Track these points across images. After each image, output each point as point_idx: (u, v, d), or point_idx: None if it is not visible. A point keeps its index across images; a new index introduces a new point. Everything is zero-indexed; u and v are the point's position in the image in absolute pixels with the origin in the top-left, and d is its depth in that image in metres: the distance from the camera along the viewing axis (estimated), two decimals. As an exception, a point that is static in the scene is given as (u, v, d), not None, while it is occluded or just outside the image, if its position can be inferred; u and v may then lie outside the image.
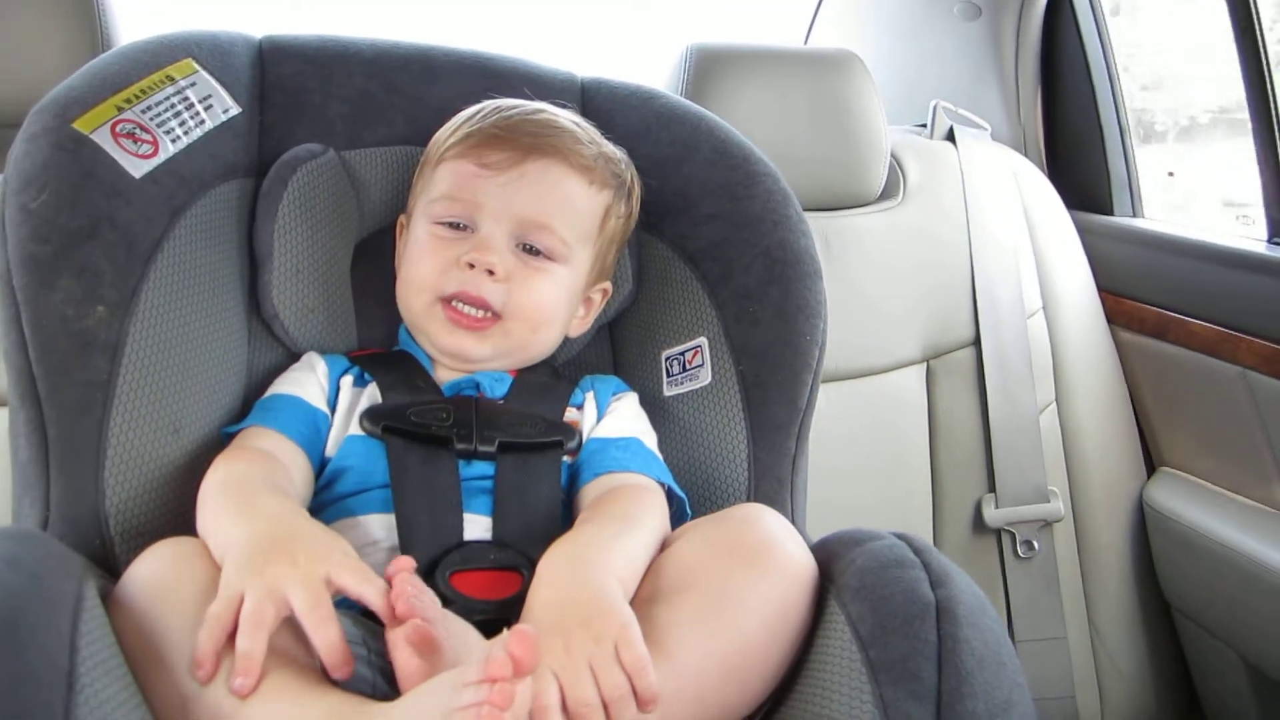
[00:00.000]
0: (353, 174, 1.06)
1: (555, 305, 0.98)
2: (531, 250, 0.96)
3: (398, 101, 1.08)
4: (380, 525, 0.85)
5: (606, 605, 0.71)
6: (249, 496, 0.79)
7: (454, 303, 0.95)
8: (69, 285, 0.82)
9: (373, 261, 1.07)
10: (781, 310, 0.99)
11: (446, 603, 0.76)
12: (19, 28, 1.27)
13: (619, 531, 0.81)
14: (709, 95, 1.45)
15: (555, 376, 1.05)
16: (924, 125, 1.73)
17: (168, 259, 0.89)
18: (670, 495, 0.92)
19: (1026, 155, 1.72)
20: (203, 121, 0.95)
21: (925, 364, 1.51)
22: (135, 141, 0.89)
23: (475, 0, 2.25)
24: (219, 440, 0.90)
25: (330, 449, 0.91)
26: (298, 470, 0.88)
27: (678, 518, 0.92)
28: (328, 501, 0.88)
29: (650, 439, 0.98)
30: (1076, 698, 1.45)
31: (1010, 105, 1.77)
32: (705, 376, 1.01)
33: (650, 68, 1.65)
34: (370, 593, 0.69)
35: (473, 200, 0.95)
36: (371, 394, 0.95)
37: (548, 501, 0.89)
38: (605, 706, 0.67)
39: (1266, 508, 1.38)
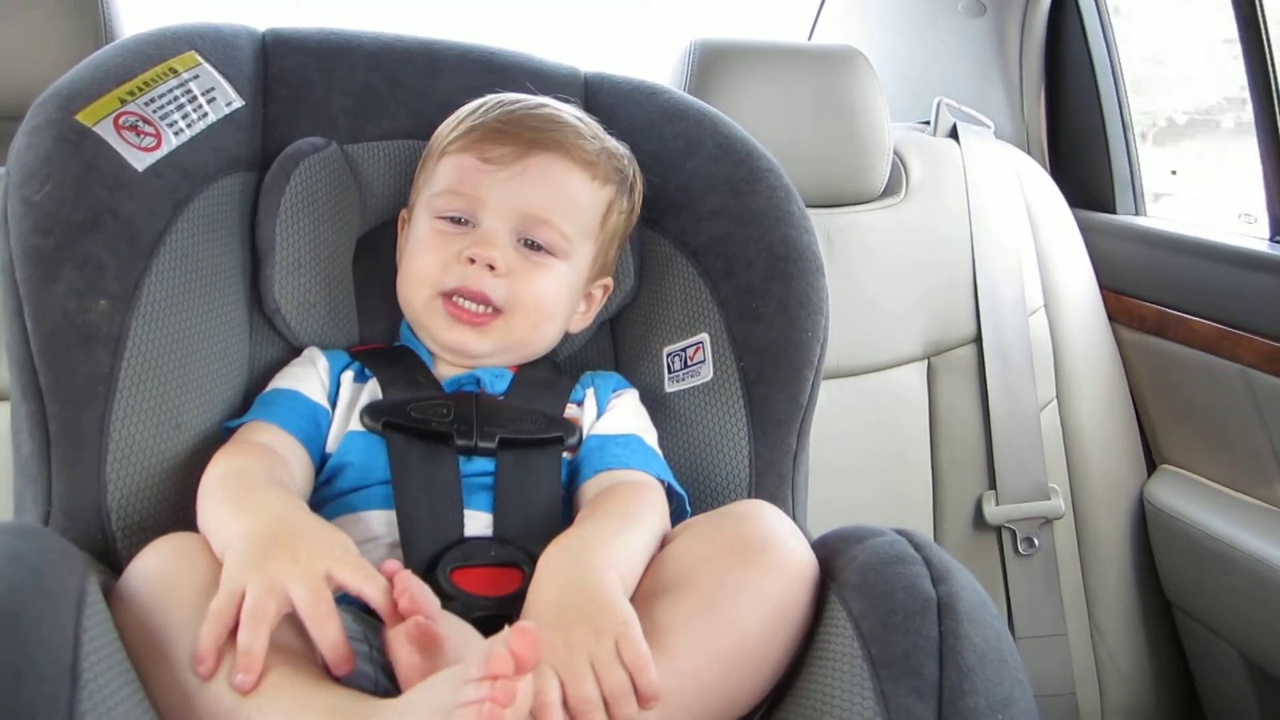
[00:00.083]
0: (355, 168, 1.06)
1: (556, 300, 0.98)
2: (533, 245, 0.96)
3: (401, 95, 1.08)
4: (381, 521, 0.85)
5: (607, 602, 0.71)
6: (250, 491, 0.79)
7: (455, 298, 0.95)
8: (71, 278, 0.82)
9: (375, 256, 1.07)
10: (784, 306, 0.99)
11: (447, 599, 0.76)
12: (22, 20, 1.26)
13: (619, 528, 0.81)
14: (712, 91, 1.45)
15: (556, 372, 1.05)
16: (927, 122, 1.72)
17: (170, 252, 0.89)
18: (670, 492, 0.92)
19: (1030, 153, 1.72)
20: (205, 114, 0.95)
21: (926, 361, 1.51)
22: (138, 134, 0.89)
23: (478, -5, 2.24)
24: (220, 435, 0.90)
25: (331, 444, 0.91)
26: (298, 465, 0.88)
27: (677, 515, 0.92)
28: (328, 497, 0.88)
29: (650, 436, 0.98)
30: (1076, 694, 1.46)
31: (1014, 103, 1.77)
32: (707, 373, 1.01)
33: (654, 63, 1.65)
34: (371, 589, 0.69)
35: (474, 195, 0.95)
36: (372, 389, 0.94)
37: (548, 498, 0.89)
38: (606, 704, 0.67)
39: (1267, 505, 1.38)
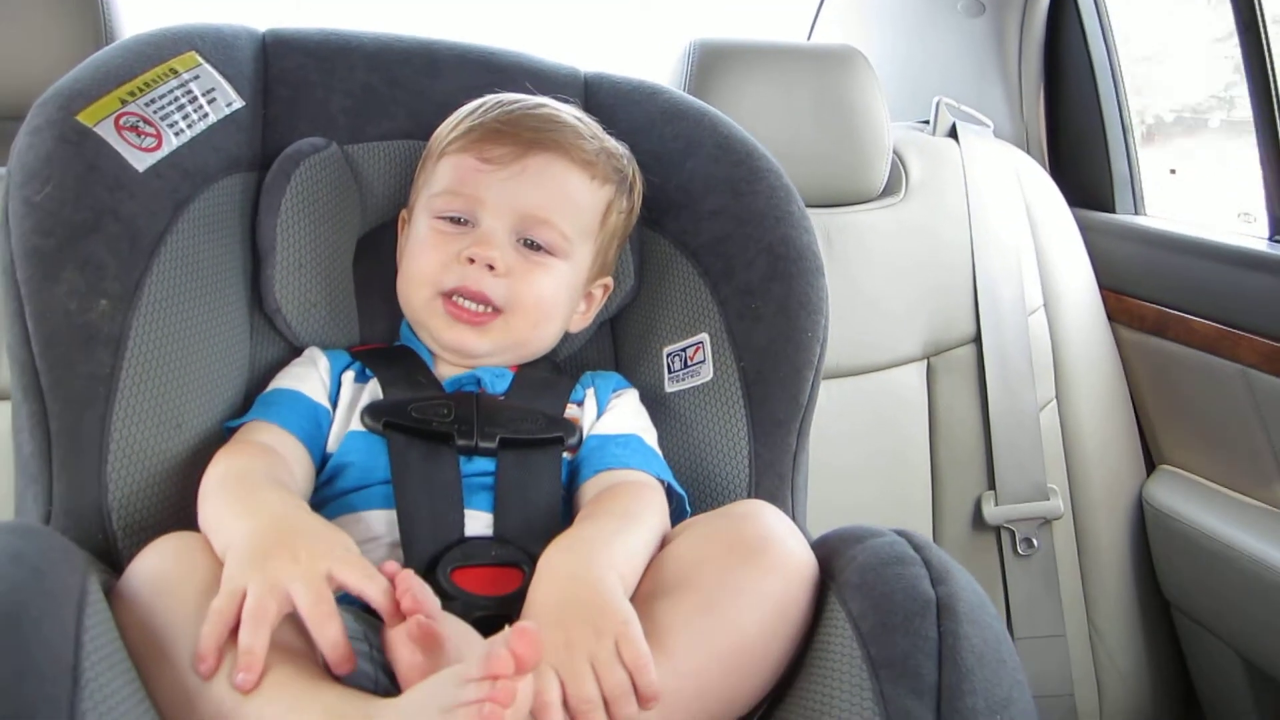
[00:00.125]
0: (355, 168, 1.06)
1: (555, 300, 0.98)
2: (532, 245, 0.96)
3: (400, 95, 1.08)
4: (381, 521, 0.85)
5: (607, 602, 0.71)
6: (251, 491, 0.79)
7: (454, 298, 0.95)
8: (72, 278, 0.82)
9: (375, 256, 1.07)
10: (784, 306, 0.99)
11: (447, 598, 0.76)
12: (22, 20, 1.26)
13: (619, 528, 0.81)
14: (712, 91, 1.45)
15: (556, 372, 1.05)
16: (927, 122, 1.72)
17: (171, 252, 0.89)
18: (670, 492, 0.92)
19: (1029, 152, 1.72)
20: (206, 115, 0.95)
21: (926, 361, 1.51)
22: (139, 134, 0.89)
23: (478, -5, 2.25)
24: (221, 434, 0.90)
25: (332, 444, 0.91)
26: (299, 465, 0.88)
27: (677, 515, 0.92)
28: (329, 497, 0.88)
29: (650, 436, 0.98)
30: (1075, 695, 1.46)
31: (1013, 102, 1.77)
32: (707, 373, 1.01)
33: (653, 63, 1.65)
34: (372, 589, 0.69)
35: (474, 195, 0.95)
36: (373, 389, 0.95)
37: (548, 498, 0.89)
38: (606, 704, 0.67)
39: (1266, 506, 1.38)
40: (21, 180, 0.83)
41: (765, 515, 0.82)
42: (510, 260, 0.95)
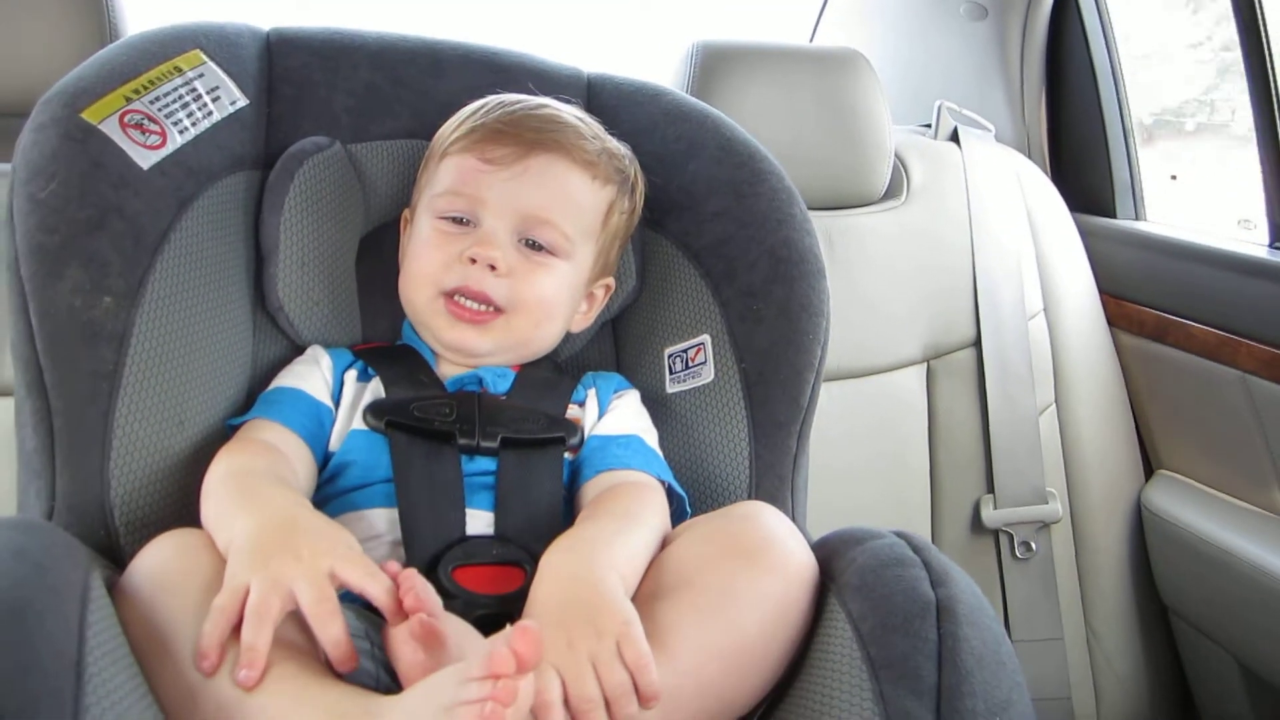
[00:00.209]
0: (358, 167, 1.06)
1: (557, 300, 0.98)
2: (534, 245, 0.96)
3: (404, 95, 1.08)
4: (383, 519, 0.86)
5: (608, 602, 0.71)
6: (253, 489, 0.79)
7: (456, 297, 0.95)
8: (76, 275, 0.82)
9: (377, 255, 1.07)
10: (785, 309, 0.99)
11: (449, 597, 0.76)
12: (27, 18, 1.26)
13: (620, 529, 0.82)
14: (714, 92, 1.45)
15: (558, 372, 1.05)
16: (928, 125, 1.73)
17: (174, 250, 0.89)
18: (670, 493, 0.93)
19: (1030, 157, 1.72)
20: (210, 113, 0.96)
21: (926, 364, 1.52)
22: (143, 132, 0.89)
23: (482, -4, 2.25)
24: (223, 432, 0.90)
25: (334, 443, 0.92)
26: (301, 463, 0.88)
27: (678, 515, 0.92)
28: (331, 495, 0.88)
29: (651, 436, 0.98)
30: (1072, 698, 1.46)
31: (1015, 107, 1.77)
32: (708, 374, 1.01)
33: (655, 65, 1.65)
34: (374, 587, 0.70)
35: (475, 195, 0.95)
36: (375, 388, 0.95)
37: (550, 497, 0.90)
38: (607, 703, 0.67)
39: (1264, 512, 1.38)
40: (26, 177, 0.84)
41: (766, 516, 0.82)
42: (512, 260, 0.95)
